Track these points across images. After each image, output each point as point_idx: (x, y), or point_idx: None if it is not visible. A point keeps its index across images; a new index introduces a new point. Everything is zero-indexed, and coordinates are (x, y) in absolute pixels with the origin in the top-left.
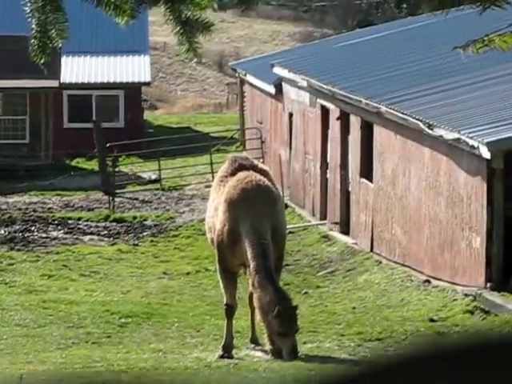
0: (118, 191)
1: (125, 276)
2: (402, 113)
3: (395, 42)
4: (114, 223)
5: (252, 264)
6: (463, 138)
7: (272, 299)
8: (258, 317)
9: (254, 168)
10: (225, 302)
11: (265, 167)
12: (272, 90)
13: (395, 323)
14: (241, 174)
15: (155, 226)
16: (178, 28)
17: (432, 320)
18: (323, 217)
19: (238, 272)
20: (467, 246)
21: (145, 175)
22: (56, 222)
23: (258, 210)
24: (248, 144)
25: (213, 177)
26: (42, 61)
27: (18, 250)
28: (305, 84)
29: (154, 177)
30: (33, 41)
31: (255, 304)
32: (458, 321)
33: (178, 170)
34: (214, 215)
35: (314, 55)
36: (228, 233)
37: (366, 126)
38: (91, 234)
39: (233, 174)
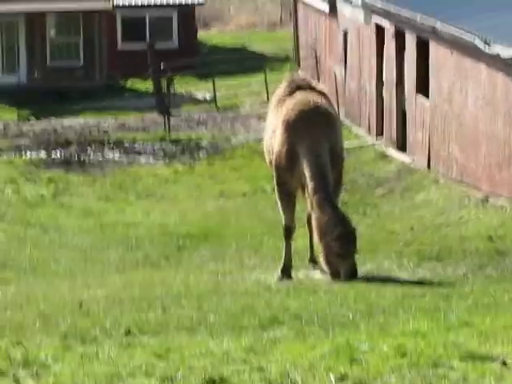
0: (173, 112)
1: (181, 197)
2: (458, 29)
3: None
4: (170, 144)
5: (310, 185)
6: None
7: (331, 220)
8: (315, 237)
9: (312, 89)
10: (283, 224)
11: (322, 88)
12: (326, 8)
13: (454, 242)
14: (298, 95)
15: (211, 146)
16: None
17: (491, 238)
18: (379, 135)
19: (296, 193)
20: None
21: (199, 95)
22: (111, 143)
23: (316, 132)
24: (303, 63)
25: (268, 96)
26: None
27: (74, 172)
28: (359, 2)
29: (208, 97)
30: None
31: (313, 225)
32: None
33: (234, 89)
34: (272, 137)
35: None
36: (286, 154)
37: (422, 43)
38: (147, 154)
39: (290, 94)
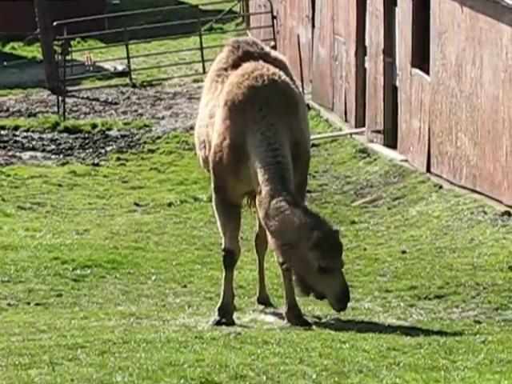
0: (70, 89)
1: (81, 209)
2: None
3: None
4: (66, 134)
5: (265, 189)
6: None
7: (303, 223)
8: (278, 257)
9: (266, 56)
10: (223, 246)
11: (280, 56)
12: None
13: (462, 273)
14: (247, 66)
15: (123, 137)
16: None
17: None
18: (360, 123)
19: (242, 204)
20: None
21: (108, 66)
22: None
23: (272, 117)
24: (253, 20)
25: (204, 67)
26: None
27: None
28: None
29: (120, 68)
30: None
31: (271, 240)
32: None
33: (155, 57)
34: (209, 124)
35: None
36: (230, 149)
37: None
38: (33, 149)
39: (235, 65)
